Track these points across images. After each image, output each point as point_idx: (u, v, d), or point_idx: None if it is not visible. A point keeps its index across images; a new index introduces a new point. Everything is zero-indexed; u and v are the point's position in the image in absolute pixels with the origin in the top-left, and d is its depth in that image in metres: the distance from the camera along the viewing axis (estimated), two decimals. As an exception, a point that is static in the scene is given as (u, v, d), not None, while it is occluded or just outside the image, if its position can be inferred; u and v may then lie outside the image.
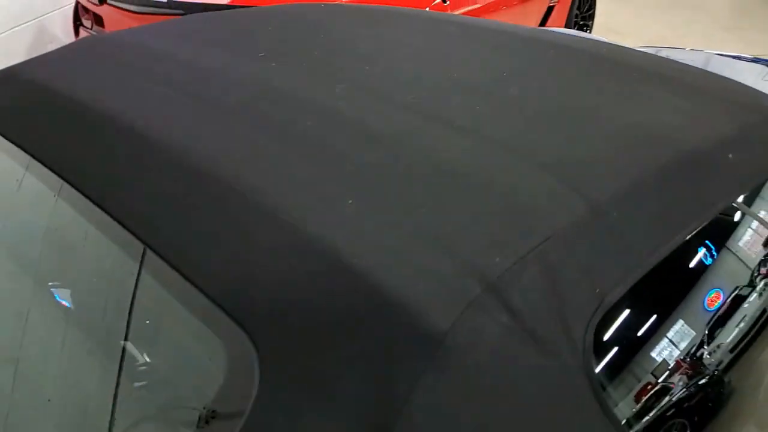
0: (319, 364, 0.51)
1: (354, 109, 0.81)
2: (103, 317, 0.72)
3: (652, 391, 0.62)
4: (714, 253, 0.75)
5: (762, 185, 0.80)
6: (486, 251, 0.56)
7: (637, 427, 0.59)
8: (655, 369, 0.63)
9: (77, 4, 3.63)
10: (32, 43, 3.55)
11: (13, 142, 0.89)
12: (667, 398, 0.62)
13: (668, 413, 0.61)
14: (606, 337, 0.56)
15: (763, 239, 0.80)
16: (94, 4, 3.32)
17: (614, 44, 1.13)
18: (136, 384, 0.66)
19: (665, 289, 0.70)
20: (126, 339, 0.66)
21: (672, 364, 0.64)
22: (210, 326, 0.58)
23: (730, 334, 0.72)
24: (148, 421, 0.63)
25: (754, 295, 0.76)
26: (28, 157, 0.85)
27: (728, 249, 0.76)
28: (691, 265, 0.72)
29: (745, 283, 0.76)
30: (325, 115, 0.80)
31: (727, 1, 7.08)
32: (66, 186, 0.77)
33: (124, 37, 1.25)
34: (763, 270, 0.78)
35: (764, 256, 0.78)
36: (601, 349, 0.55)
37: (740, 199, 0.77)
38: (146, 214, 0.67)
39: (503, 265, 0.55)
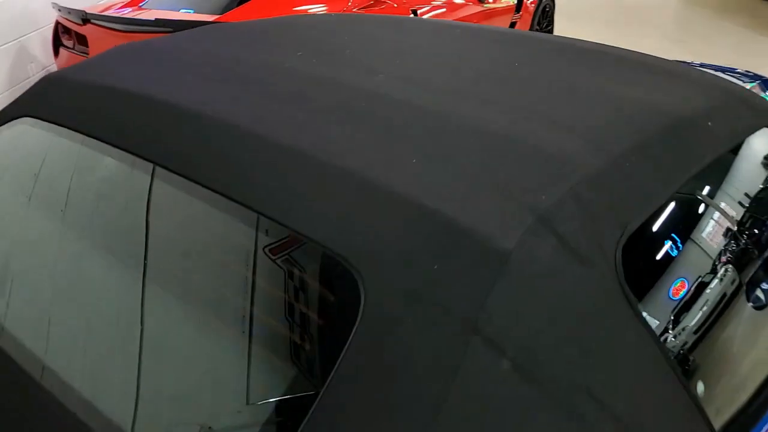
0: (413, 281, 0.64)
1: (399, 93, 0.95)
2: (233, 271, 0.84)
3: (665, 289, 0.78)
4: (708, 196, 0.93)
5: (740, 144, 0.98)
6: (534, 191, 0.70)
7: (653, 311, 0.75)
8: (666, 275, 0.80)
9: (57, 24, 3.67)
10: (13, 63, 3.58)
11: (85, 134, 1.00)
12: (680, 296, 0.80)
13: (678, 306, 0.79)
14: (630, 254, 0.71)
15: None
16: (77, 24, 3.36)
17: (610, 45, 1.31)
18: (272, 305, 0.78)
19: (674, 218, 0.86)
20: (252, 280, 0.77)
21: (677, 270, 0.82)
22: (323, 264, 0.70)
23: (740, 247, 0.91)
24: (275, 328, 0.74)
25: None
26: (104, 144, 0.96)
27: (718, 193, 0.95)
28: (692, 206, 0.90)
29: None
30: (375, 97, 0.93)
31: (672, 17, 7.55)
32: (161, 170, 0.88)
33: (153, 44, 1.36)
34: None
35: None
36: (626, 263, 0.69)
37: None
38: (257, 183, 0.79)
39: (549, 201, 0.69)
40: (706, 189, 0.95)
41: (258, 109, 0.92)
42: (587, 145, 0.80)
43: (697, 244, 0.92)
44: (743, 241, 0.95)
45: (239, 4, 3.37)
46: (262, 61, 1.12)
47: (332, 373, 0.60)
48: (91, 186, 1.06)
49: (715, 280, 0.90)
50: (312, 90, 0.97)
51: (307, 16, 1.60)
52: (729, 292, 0.90)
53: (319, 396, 0.59)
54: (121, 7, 3.65)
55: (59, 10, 3.47)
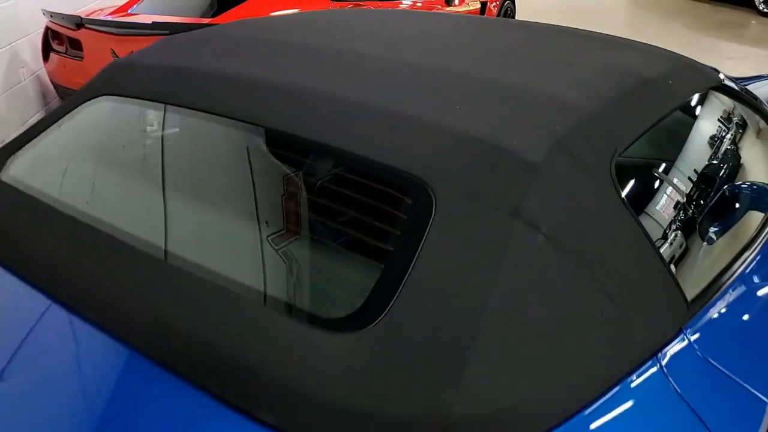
0: (471, 187, 0.87)
1: (431, 63, 1.19)
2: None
3: (649, 195, 1.05)
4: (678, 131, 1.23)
5: (690, 99, 1.27)
6: (551, 124, 0.95)
7: (633, 200, 0.99)
8: (647, 185, 1.06)
9: (47, 30, 3.79)
10: (6, 69, 3.68)
11: (162, 102, 1.24)
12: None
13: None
14: (620, 167, 0.96)
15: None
16: (71, 29, 3.49)
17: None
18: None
19: (650, 146, 1.13)
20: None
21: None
22: (406, 184, 0.91)
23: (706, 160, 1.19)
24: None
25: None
26: (179, 108, 1.20)
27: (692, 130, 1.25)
28: (661, 139, 1.19)
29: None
30: (417, 67, 1.17)
31: (624, 20, 8.06)
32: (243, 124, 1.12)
33: (197, 35, 1.57)
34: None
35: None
36: (618, 173, 0.95)
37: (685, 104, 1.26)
38: (340, 126, 1.02)
39: (562, 131, 0.94)
40: (673, 128, 1.24)
41: (325, 76, 1.15)
42: (583, 94, 1.05)
43: (668, 161, 1.21)
44: (704, 159, 1.25)
45: (219, 9, 3.57)
46: (305, 42, 1.36)
47: (420, 248, 0.82)
48: (175, 137, 1.29)
49: (683, 186, 1.18)
50: (361, 62, 1.21)
51: (328, 10, 1.84)
52: (695, 196, 1.18)
53: (411, 266, 0.82)
54: (110, 14, 3.80)
55: (51, 16, 3.60)
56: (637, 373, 0.84)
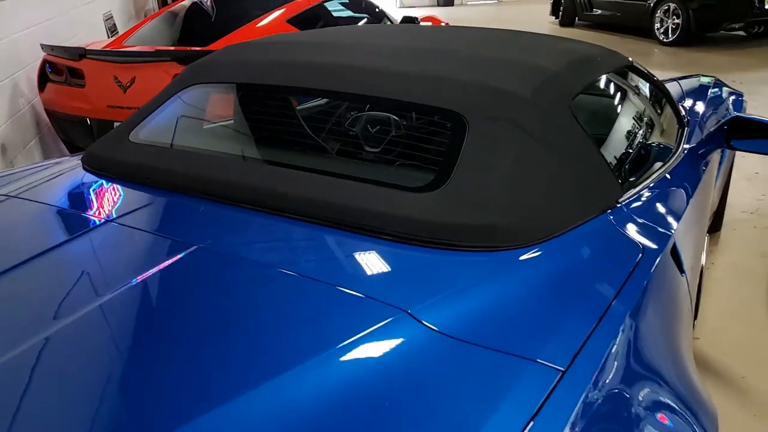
0: (491, 113, 1.40)
1: (436, 48, 1.74)
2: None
3: (592, 116, 1.63)
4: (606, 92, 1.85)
5: (612, 70, 1.88)
6: (532, 77, 1.51)
7: (584, 123, 1.55)
8: (593, 113, 1.65)
9: (44, 62, 4.15)
10: (9, 98, 4.00)
11: (247, 84, 1.77)
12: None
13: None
14: (576, 107, 1.53)
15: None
16: (72, 60, 3.88)
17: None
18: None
19: (592, 93, 1.73)
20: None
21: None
22: (450, 116, 1.44)
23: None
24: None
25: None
26: (263, 86, 1.73)
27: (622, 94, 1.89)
28: (598, 90, 1.82)
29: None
30: (425, 50, 1.72)
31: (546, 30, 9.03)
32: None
33: (256, 42, 2.06)
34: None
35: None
36: (575, 110, 1.52)
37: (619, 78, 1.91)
38: (351, 86, 1.57)
39: (538, 80, 1.50)
40: (605, 88, 1.86)
41: (370, 58, 1.69)
42: (548, 63, 1.60)
43: (603, 103, 1.82)
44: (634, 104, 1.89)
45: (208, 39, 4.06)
46: (335, 40, 1.91)
47: (462, 148, 1.34)
48: (256, 101, 1.85)
49: (613, 117, 1.81)
50: (382, 50, 1.76)
51: (343, 27, 2.46)
52: (621, 124, 1.79)
53: (459, 158, 1.32)
54: (105, 47, 4.21)
55: (52, 49, 3.98)
56: (598, 218, 1.38)
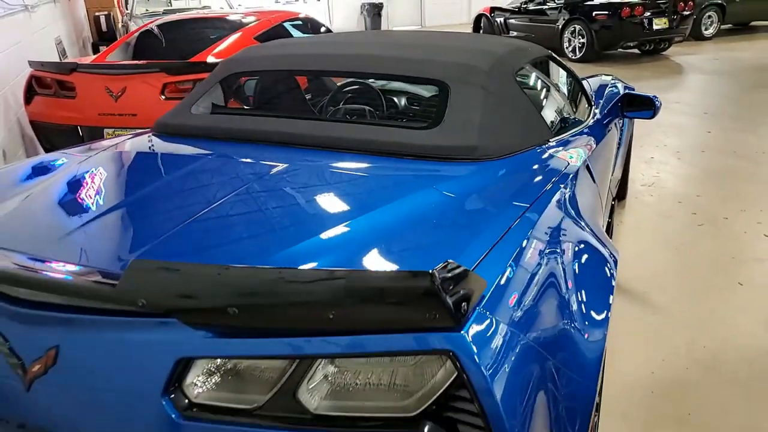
0: (466, 80, 2.04)
1: (377, 50, 2.41)
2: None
3: (528, 86, 2.33)
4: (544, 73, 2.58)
5: (539, 57, 2.61)
6: (487, 56, 2.18)
7: (524, 88, 2.26)
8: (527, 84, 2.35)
9: (31, 77, 4.51)
10: (4, 112, 4.35)
11: (275, 70, 2.37)
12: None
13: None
14: (517, 79, 2.23)
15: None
16: (63, 74, 4.28)
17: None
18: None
19: (530, 69, 2.45)
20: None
21: None
22: (437, 83, 2.08)
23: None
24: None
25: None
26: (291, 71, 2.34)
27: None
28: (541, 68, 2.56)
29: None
30: (405, 44, 2.39)
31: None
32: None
33: (273, 42, 2.66)
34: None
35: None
36: (518, 80, 2.21)
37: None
38: (362, 68, 2.20)
39: (492, 59, 2.17)
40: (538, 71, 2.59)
41: (369, 49, 2.32)
42: (496, 49, 2.28)
43: (535, 78, 2.54)
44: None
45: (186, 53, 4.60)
46: (350, 41, 2.54)
47: (448, 101, 1.97)
48: (287, 81, 2.46)
49: (541, 85, 2.53)
50: (390, 45, 2.40)
51: (344, 33, 3.09)
52: (547, 89, 2.52)
53: (447, 106, 1.96)
54: (92, 62, 4.64)
55: (42, 65, 4.37)
56: (537, 147, 2.06)
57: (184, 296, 1.02)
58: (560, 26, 10.65)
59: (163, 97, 4.10)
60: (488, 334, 1.05)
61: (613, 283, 1.52)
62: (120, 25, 10.33)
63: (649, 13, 9.90)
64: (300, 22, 5.79)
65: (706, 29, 11.98)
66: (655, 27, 9.96)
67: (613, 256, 1.69)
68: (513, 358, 1.06)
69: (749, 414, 2.21)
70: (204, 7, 11.82)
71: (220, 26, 5.31)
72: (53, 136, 4.53)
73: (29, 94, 4.52)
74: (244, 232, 1.45)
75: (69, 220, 1.56)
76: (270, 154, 1.96)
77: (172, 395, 1.09)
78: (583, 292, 1.39)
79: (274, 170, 1.80)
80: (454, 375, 1.01)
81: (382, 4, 17.16)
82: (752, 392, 2.31)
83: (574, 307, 1.33)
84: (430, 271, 0.94)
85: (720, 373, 2.43)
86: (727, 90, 7.79)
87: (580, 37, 10.37)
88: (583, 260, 1.51)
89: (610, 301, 1.44)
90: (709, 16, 11.92)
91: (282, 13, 5.70)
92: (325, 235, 1.38)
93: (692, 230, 3.78)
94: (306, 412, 1.05)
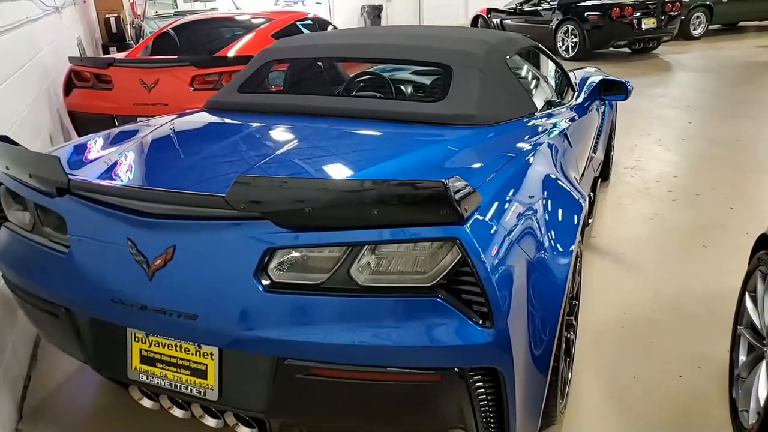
0: (466, 63, 2.50)
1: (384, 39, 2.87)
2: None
3: (517, 70, 2.80)
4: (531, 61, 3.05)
5: (527, 46, 3.07)
6: (482, 46, 2.64)
7: (513, 72, 2.72)
8: (516, 69, 2.81)
9: (71, 71, 4.97)
10: (49, 103, 4.80)
11: (303, 59, 2.86)
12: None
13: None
14: (509, 64, 2.70)
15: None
16: (100, 68, 4.75)
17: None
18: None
19: (517, 57, 2.92)
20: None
21: None
22: (442, 66, 2.55)
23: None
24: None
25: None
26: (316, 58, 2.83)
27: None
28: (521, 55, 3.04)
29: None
30: (381, 45, 2.84)
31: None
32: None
33: (299, 36, 3.13)
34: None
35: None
36: (509, 65, 2.68)
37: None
38: (380, 54, 2.69)
39: (486, 47, 2.63)
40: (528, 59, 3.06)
41: (380, 40, 2.79)
42: (490, 39, 2.74)
43: (527, 66, 3.00)
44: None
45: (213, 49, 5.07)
46: (364, 34, 3.00)
47: (451, 81, 2.43)
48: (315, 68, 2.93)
49: (531, 67, 3.00)
50: (399, 37, 2.86)
51: (360, 28, 3.55)
52: (535, 72, 3.01)
53: (450, 84, 2.41)
54: (126, 56, 5.11)
55: (81, 60, 4.83)
56: (524, 117, 2.52)
57: (274, 201, 1.47)
58: (554, 26, 11.14)
59: (192, 88, 4.56)
60: (482, 229, 1.51)
61: (580, 214, 1.99)
62: (130, 26, 10.79)
63: (638, 14, 10.40)
64: (310, 22, 6.26)
65: (694, 29, 12.48)
66: (644, 27, 10.46)
67: (581, 198, 2.14)
68: (500, 246, 1.52)
69: (699, 342, 2.66)
70: (212, 9, 12.32)
71: (238, 25, 5.78)
72: (90, 125, 4.97)
73: (68, 87, 4.98)
74: (310, 167, 1.92)
75: (179, 159, 2.05)
76: (309, 123, 2.42)
77: (261, 276, 1.55)
78: (557, 212, 1.88)
79: (316, 132, 2.26)
80: (459, 256, 1.46)
81: (381, 6, 17.64)
82: (703, 327, 2.77)
83: (548, 225, 1.80)
84: (443, 180, 1.40)
85: (679, 313, 2.89)
86: (710, 85, 8.27)
87: (572, 36, 10.86)
88: (555, 196, 1.98)
89: (576, 222, 1.92)
90: (698, 17, 12.43)
91: (294, 14, 6.18)
92: (365, 168, 1.86)
93: (667, 204, 4.24)
94: (356, 284, 1.51)
